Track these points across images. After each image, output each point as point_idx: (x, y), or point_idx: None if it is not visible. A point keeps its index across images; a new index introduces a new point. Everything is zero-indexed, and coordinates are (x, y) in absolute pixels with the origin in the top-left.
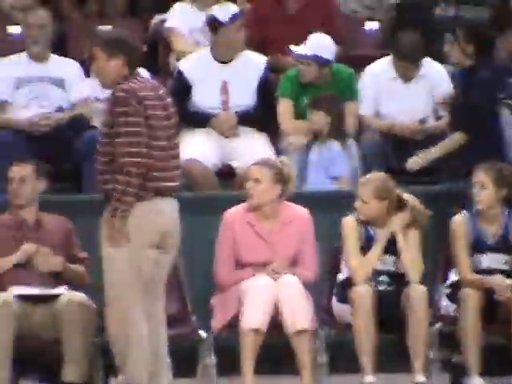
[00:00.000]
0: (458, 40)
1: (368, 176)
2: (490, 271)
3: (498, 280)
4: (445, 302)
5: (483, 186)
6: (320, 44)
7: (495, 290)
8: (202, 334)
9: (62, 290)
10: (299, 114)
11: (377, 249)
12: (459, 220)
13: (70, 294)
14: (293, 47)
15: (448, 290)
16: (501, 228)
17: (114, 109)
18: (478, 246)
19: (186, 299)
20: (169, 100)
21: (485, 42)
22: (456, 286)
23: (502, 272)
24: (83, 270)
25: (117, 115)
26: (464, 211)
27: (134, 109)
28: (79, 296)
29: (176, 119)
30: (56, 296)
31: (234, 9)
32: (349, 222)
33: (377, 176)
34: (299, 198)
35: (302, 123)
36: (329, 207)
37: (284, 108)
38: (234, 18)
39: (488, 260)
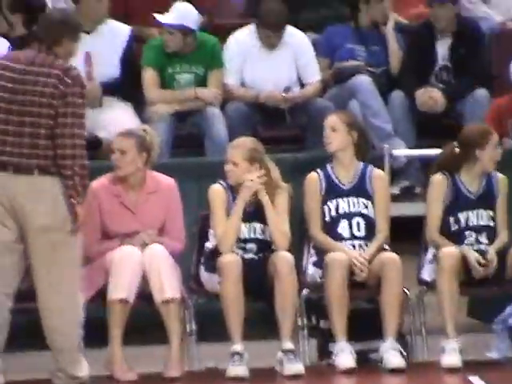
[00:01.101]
0: None
1: (239, 139)
2: (351, 215)
3: (353, 254)
4: (311, 269)
5: (334, 129)
6: (185, 13)
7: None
8: None
9: None
10: (164, 84)
11: (234, 216)
12: (310, 176)
13: None
14: (157, 16)
15: (314, 257)
16: (357, 175)
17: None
18: (334, 191)
19: None
20: (28, 77)
21: None
22: (321, 252)
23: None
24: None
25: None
26: (317, 170)
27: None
28: None
29: (35, 98)
30: None
31: None
32: (216, 190)
33: (247, 139)
34: (166, 168)
35: (167, 92)
36: (196, 176)
37: (149, 77)
38: None
39: (346, 204)
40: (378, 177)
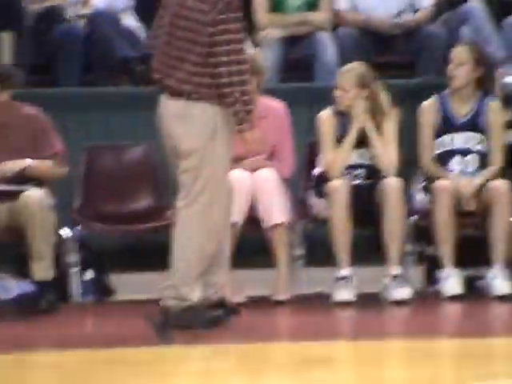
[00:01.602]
0: None
1: (349, 65)
2: (462, 151)
3: (462, 183)
4: (420, 195)
5: (462, 63)
6: None
7: (461, 192)
8: None
9: (23, 187)
10: (275, 8)
11: (346, 144)
12: (427, 104)
13: (29, 193)
14: None
15: (423, 183)
16: (474, 108)
17: None
18: (449, 126)
19: (161, 193)
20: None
21: None
22: (429, 179)
23: (474, 152)
24: (48, 166)
25: None
26: (435, 95)
27: None
28: (37, 194)
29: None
30: (19, 193)
31: None
32: (325, 116)
33: (357, 65)
34: (276, 93)
35: (277, 17)
36: (306, 102)
37: (259, 1)
38: None
39: (461, 138)
40: (494, 109)
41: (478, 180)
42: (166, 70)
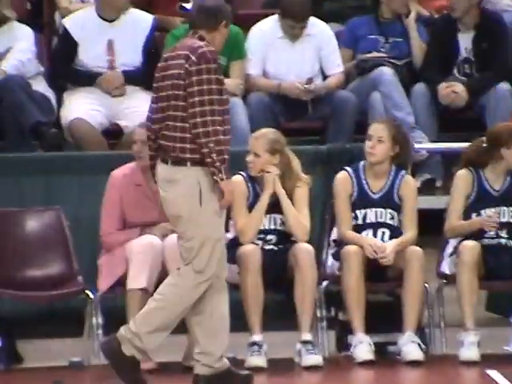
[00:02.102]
0: None
1: (261, 130)
2: (374, 226)
3: (369, 240)
4: (330, 261)
5: (381, 140)
6: None
7: (365, 250)
8: (89, 294)
9: None
10: None
11: (258, 209)
12: (341, 176)
13: None
14: (185, 4)
15: (333, 249)
16: (387, 184)
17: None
18: (363, 201)
19: (72, 259)
20: (169, 63)
21: None
22: (340, 244)
23: (386, 227)
24: None
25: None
26: (347, 167)
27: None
28: None
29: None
30: None
31: None
32: (237, 182)
33: (269, 130)
34: None
35: None
36: None
37: None
38: None
39: (373, 214)
40: (408, 183)
41: (393, 242)
42: (157, 136)
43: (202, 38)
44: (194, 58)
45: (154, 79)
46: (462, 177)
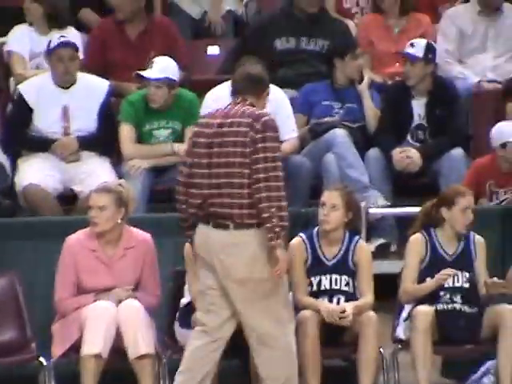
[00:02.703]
0: None
1: None
2: (328, 293)
3: (324, 304)
4: None
5: (334, 207)
6: (167, 66)
7: (323, 313)
8: (43, 360)
9: None
10: (141, 139)
11: None
12: (296, 243)
13: None
14: (143, 72)
15: None
16: (341, 250)
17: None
18: (317, 268)
19: (25, 325)
20: (222, 130)
21: None
22: (296, 310)
23: (340, 293)
24: None
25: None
26: (301, 234)
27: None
28: None
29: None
30: None
31: (70, 34)
32: (189, 246)
33: None
34: (142, 223)
35: (143, 147)
36: (173, 231)
37: (125, 133)
38: (60, 45)
39: (328, 281)
40: (362, 249)
41: (350, 305)
42: (207, 202)
43: (252, 105)
44: (258, 125)
45: (197, 144)
46: (415, 241)
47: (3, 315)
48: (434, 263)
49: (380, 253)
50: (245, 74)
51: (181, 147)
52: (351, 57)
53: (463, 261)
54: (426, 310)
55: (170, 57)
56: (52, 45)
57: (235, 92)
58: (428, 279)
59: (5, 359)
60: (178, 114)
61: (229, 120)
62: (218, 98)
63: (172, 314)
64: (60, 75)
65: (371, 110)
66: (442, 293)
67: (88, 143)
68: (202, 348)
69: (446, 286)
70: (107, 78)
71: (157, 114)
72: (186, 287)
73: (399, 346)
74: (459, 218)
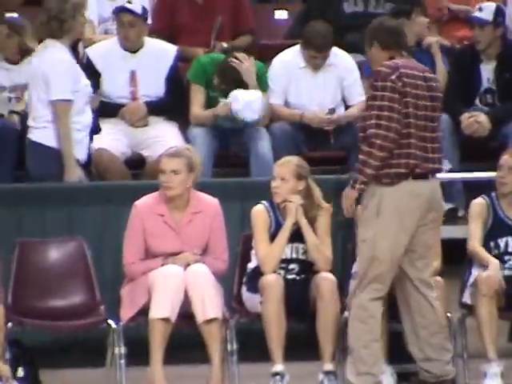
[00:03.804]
0: None
1: (287, 157)
2: None
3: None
4: None
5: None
6: None
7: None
8: (112, 323)
9: None
10: (208, 104)
11: (281, 238)
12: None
13: None
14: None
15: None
16: None
17: (374, 83)
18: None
19: (94, 288)
20: (437, 84)
21: None
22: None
23: None
24: None
25: (375, 89)
26: None
27: (392, 84)
28: None
29: (440, 104)
30: None
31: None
32: (258, 211)
33: (295, 157)
34: (210, 188)
35: (207, 112)
36: (239, 196)
37: (195, 95)
38: (120, 10)
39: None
40: None
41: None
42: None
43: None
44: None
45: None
46: (476, 205)
47: (72, 279)
48: (495, 227)
49: (448, 218)
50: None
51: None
52: (417, 14)
53: None
54: (490, 275)
55: (237, 21)
56: (115, 10)
57: (400, 45)
58: (491, 244)
59: (74, 322)
60: None
61: (425, 74)
62: (285, 62)
63: (239, 279)
64: (120, 40)
65: (442, 73)
66: (507, 257)
67: (156, 108)
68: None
69: (510, 250)
70: (174, 43)
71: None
72: (253, 252)
73: (466, 312)
74: (497, 175)
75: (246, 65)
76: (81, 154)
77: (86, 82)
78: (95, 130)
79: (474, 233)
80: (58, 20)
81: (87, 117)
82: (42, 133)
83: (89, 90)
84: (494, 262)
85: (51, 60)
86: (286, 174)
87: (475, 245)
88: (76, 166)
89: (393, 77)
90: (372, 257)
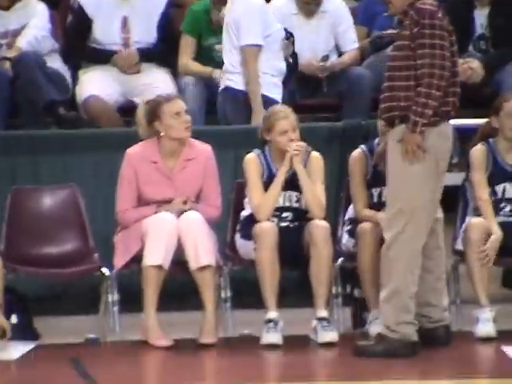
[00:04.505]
0: None
1: (283, 108)
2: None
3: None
4: (346, 238)
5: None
6: None
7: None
8: (105, 271)
9: None
10: (202, 52)
11: (275, 186)
12: (356, 155)
13: None
14: None
15: (348, 226)
16: None
17: (421, 20)
18: (377, 179)
19: (88, 236)
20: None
21: None
22: (355, 222)
23: None
24: None
25: (422, 27)
26: (362, 145)
27: (441, 22)
28: None
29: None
30: None
31: None
32: (251, 159)
33: (287, 108)
34: (202, 135)
35: (194, 66)
36: (233, 142)
37: (184, 45)
38: None
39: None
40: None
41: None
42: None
43: None
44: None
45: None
46: (478, 151)
47: (66, 227)
48: (494, 174)
49: None
50: None
51: (221, 74)
52: None
53: None
54: (479, 221)
55: None
56: None
57: None
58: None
59: (68, 269)
60: None
61: None
62: (278, 8)
63: (233, 226)
64: None
65: None
66: (502, 204)
67: (148, 55)
68: None
69: (507, 196)
70: None
71: (219, 28)
72: (246, 200)
73: (459, 258)
74: (506, 123)
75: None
76: (277, 98)
77: (278, 27)
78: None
79: (480, 183)
80: None
81: (281, 62)
82: (236, 78)
83: (281, 35)
84: (496, 233)
85: (243, 5)
86: (294, 124)
87: (486, 197)
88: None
89: (439, 14)
90: (415, 204)
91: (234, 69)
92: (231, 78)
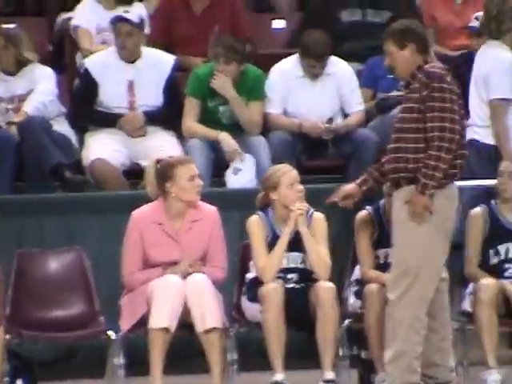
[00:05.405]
0: None
1: (286, 165)
2: None
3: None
4: (352, 299)
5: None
6: None
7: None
8: (111, 334)
9: None
10: (207, 114)
11: (280, 247)
12: (362, 216)
13: None
14: None
15: (355, 288)
16: None
17: (430, 84)
18: (383, 240)
19: (93, 299)
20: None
21: None
22: (361, 283)
23: None
24: None
25: (432, 90)
26: (368, 207)
27: (449, 86)
28: None
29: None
30: None
31: (135, 9)
32: (254, 222)
33: (288, 165)
34: (208, 197)
35: (199, 128)
36: (239, 204)
37: (189, 108)
38: (117, 19)
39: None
40: None
41: None
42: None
43: None
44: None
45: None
46: (476, 216)
47: (72, 289)
48: (495, 234)
49: None
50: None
51: (226, 137)
52: None
53: None
54: (489, 283)
55: (234, 31)
56: (112, 19)
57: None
58: (491, 251)
59: (74, 333)
60: (244, 89)
61: None
62: (284, 71)
63: (239, 288)
64: (118, 50)
65: None
66: (507, 265)
67: (154, 118)
68: None
69: (511, 257)
70: (172, 53)
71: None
72: (252, 262)
73: (466, 319)
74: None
75: (219, 82)
76: None
77: None
78: None
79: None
80: (498, 21)
81: None
82: (484, 131)
83: None
84: None
85: (492, 59)
86: (298, 178)
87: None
88: None
89: (448, 78)
90: (421, 266)
91: (482, 122)
92: (480, 130)
